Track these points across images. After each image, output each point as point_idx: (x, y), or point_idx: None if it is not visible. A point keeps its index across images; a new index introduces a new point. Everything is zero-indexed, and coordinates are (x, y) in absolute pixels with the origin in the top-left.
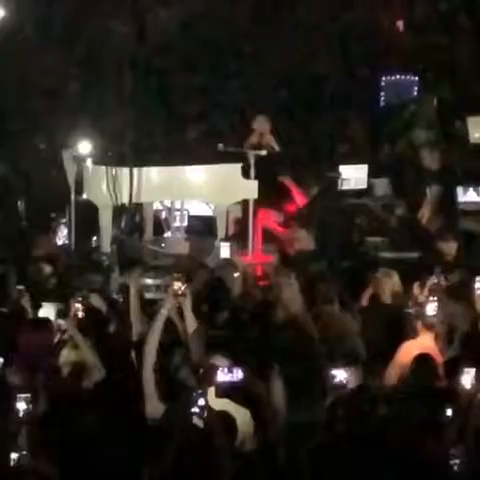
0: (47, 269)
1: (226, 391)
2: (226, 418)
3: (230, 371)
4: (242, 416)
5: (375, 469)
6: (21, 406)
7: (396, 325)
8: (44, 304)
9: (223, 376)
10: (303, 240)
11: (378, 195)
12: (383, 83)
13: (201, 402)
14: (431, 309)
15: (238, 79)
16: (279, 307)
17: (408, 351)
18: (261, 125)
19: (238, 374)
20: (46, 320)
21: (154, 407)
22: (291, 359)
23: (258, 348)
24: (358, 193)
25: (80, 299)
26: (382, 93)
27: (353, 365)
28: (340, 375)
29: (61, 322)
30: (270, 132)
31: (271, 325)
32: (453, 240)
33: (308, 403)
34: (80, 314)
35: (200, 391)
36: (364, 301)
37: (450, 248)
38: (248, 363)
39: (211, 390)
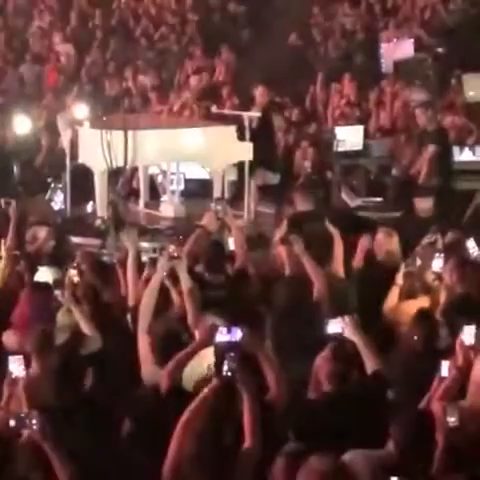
0: (42, 233)
1: (224, 351)
2: None
3: (229, 331)
4: None
5: (373, 425)
6: (14, 368)
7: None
8: (41, 269)
9: (221, 336)
10: (300, 202)
11: (373, 156)
12: (382, 49)
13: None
14: (437, 265)
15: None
16: (282, 264)
17: (406, 311)
18: (261, 96)
19: (237, 334)
20: (46, 284)
21: (149, 371)
22: (287, 315)
23: (253, 307)
24: (354, 154)
25: (75, 265)
26: (382, 60)
27: (348, 315)
28: (335, 324)
29: (57, 292)
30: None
31: (269, 282)
32: (429, 197)
33: (305, 357)
34: (75, 279)
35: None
36: (359, 260)
37: (426, 205)
38: (243, 322)
39: (209, 350)
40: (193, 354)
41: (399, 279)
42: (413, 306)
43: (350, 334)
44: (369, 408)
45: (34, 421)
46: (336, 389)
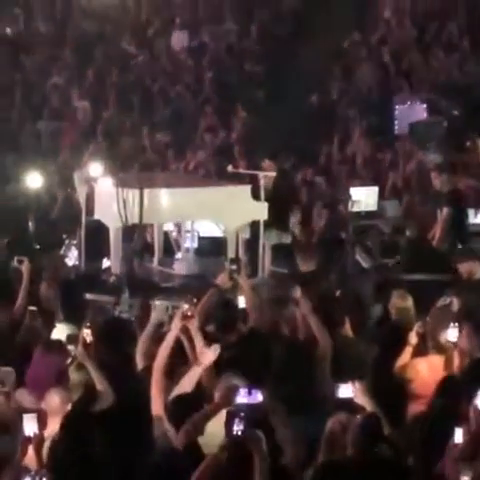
0: (54, 291)
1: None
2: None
3: (250, 393)
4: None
5: None
6: (28, 426)
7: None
8: (58, 325)
9: (241, 398)
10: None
11: (388, 216)
12: (397, 111)
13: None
14: (453, 335)
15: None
16: (289, 325)
17: (415, 368)
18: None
19: (257, 396)
20: (59, 342)
21: (163, 430)
22: (288, 374)
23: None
24: (368, 214)
25: (88, 324)
26: (396, 121)
27: (359, 379)
28: (346, 389)
29: (71, 347)
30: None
31: (275, 342)
32: (471, 260)
33: (311, 420)
34: (88, 339)
35: None
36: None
37: (470, 268)
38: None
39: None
40: (212, 415)
41: (412, 339)
42: (423, 363)
43: (361, 399)
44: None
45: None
46: (362, 455)
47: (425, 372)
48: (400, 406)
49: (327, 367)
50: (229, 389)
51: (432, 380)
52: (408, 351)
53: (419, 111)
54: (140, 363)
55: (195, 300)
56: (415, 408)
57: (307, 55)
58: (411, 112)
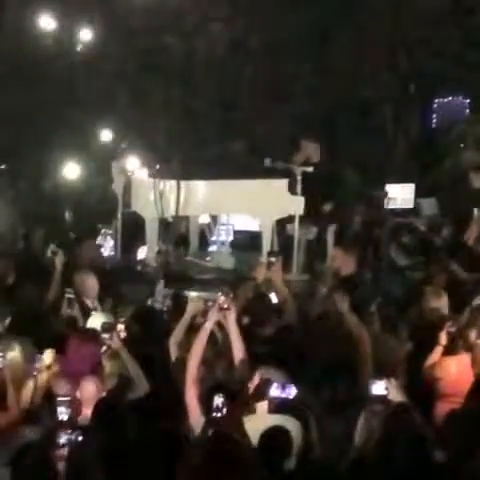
0: (91, 280)
1: (278, 407)
2: (282, 433)
3: (283, 387)
4: (296, 428)
5: None
6: (61, 410)
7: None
8: (94, 314)
9: (276, 391)
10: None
11: (424, 215)
12: (435, 105)
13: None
14: None
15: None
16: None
17: (444, 367)
18: (310, 149)
19: (291, 391)
20: (93, 332)
21: (197, 422)
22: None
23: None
24: (405, 212)
25: (123, 319)
26: (434, 115)
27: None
28: (380, 386)
29: (105, 336)
30: (317, 155)
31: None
32: None
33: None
34: (122, 335)
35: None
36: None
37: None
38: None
39: (261, 405)
40: (244, 410)
41: (443, 339)
42: (453, 362)
43: (395, 396)
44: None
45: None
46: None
47: (454, 371)
48: (430, 405)
49: (370, 365)
50: (262, 382)
51: (461, 379)
52: (438, 350)
53: (460, 107)
54: (174, 354)
55: (231, 293)
56: (443, 407)
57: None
58: (451, 108)
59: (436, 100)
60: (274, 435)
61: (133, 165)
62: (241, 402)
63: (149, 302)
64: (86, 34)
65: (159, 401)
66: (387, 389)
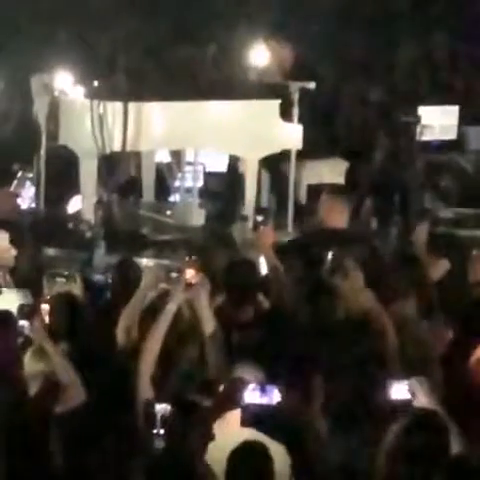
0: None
1: (255, 418)
2: (258, 454)
3: (263, 390)
4: (277, 455)
5: None
6: None
7: None
8: (3, 291)
9: (253, 396)
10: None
11: (472, 149)
12: None
13: None
14: None
15: None
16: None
17: None
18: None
19: (273, 395)
20: (6, 313)
21: None
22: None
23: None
24: (445, 145)
25: (48, 297)
26: None
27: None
28: (401, 389)
29: (24, 323)
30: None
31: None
32: None
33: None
34: (47, 318)
35: None
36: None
37: None
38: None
39: (232, 415)
40: (214, 418)
41: None
42: None
43: (423, 402)
44: None
45: None
46: None
47: None
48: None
49: (396, 362)
50: (235, 384)
51: None
52: None
53: None
54: (122, 341)
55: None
56: None
57: None
58: None
59: None
60: (246, 457)
61: (62, 81)
62: (206, 416)
63: (85, 273)
64: None
65: (101, 413)
66: (413, 392)
